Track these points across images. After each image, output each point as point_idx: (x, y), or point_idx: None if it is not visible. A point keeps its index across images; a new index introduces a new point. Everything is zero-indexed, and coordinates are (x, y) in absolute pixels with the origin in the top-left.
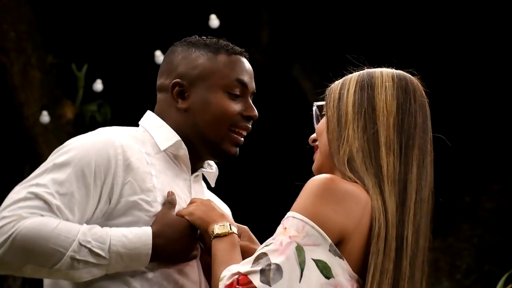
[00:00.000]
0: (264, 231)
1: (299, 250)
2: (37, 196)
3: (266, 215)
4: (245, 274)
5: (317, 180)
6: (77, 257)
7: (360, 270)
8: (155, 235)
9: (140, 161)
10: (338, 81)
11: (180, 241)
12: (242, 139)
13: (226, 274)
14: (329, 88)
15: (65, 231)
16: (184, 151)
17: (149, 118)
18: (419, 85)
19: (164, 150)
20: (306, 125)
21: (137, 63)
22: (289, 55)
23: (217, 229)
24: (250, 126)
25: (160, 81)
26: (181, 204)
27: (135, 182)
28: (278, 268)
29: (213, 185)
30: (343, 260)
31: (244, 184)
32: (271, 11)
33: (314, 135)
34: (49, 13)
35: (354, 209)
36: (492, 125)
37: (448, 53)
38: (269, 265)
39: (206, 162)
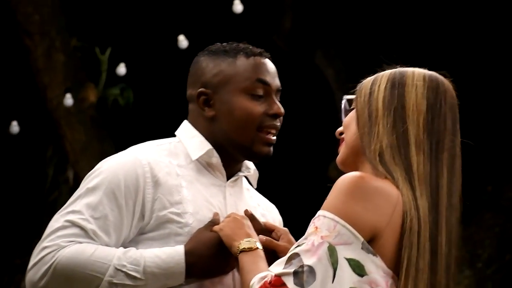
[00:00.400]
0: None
1: (331, 250)
2: (73, 224)
3: (292, 207)
4: (278, 276)
5: (347, 178)
6: (114, 281)
7: (394, 266)
8: (187, 253)
9: (169, 175)
10: (370, 77)
11: (213, 257)
12: (274, 137)
13: (255, 280)
14: (360, 83)
15: (101, 257)
16: (216, 159)
17: (184, 129)
18: (451, 87)
19: (197, 159)
20: (328, 112)
21: (161, 47)
22: (312, 42)
23: (243, 244)
24: (278, 124)
25: (188, 92)
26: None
27: (163, 197)
28: (311, 270)
29: (255, 186)
30: (377, 257)
31: (270, 176)
32: None
33: (341, 128)
34: None
35: (385, 206)
36: None
37: (469, 48)
38: (302, 266)
39: (244, 164)
